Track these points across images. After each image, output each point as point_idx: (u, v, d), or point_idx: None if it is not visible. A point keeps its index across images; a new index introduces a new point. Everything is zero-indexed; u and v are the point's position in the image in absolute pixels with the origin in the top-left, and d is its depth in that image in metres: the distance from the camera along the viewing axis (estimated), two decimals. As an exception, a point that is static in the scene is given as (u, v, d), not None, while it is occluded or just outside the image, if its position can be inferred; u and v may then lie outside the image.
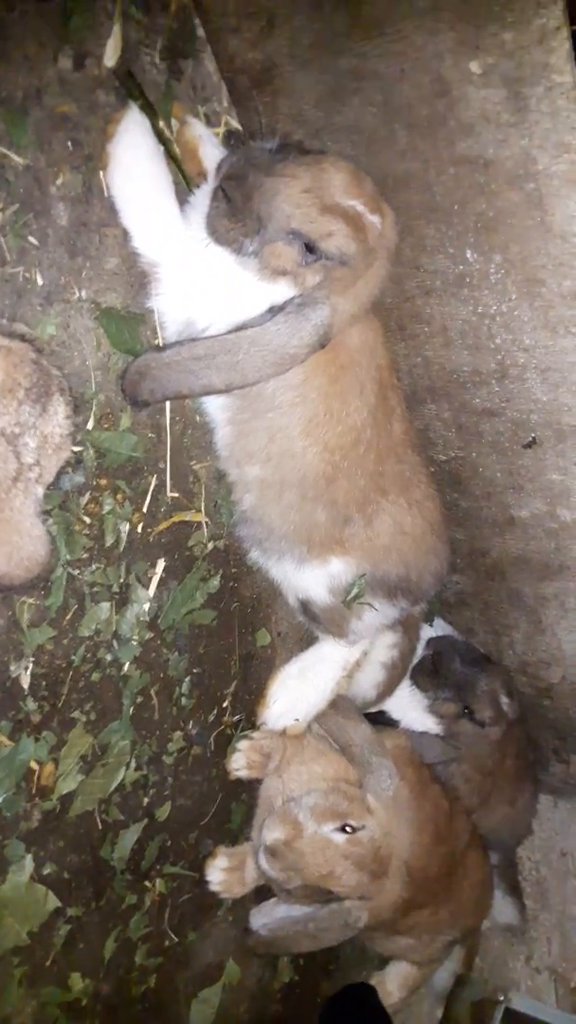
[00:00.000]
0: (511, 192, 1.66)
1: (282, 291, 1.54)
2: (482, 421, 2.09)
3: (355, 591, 2.01)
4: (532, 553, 2.30)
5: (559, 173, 1.61)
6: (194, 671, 1.95)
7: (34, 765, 1.56)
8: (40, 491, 1.17)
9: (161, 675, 1.85)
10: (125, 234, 1.49)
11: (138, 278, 1.54)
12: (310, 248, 1.48)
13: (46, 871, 1.62)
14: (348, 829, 2.02)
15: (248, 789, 2.20)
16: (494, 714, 2.45)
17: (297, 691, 2.18)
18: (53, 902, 1.63)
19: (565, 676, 2.64)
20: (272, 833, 2.00)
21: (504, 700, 2.47)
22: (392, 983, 2.83)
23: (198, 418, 1.81)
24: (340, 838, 2.01)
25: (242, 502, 1.90)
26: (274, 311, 1.53)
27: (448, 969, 2.94)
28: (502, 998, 2.67)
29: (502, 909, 3.10)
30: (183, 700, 1.92)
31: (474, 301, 1.86)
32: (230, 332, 1.53)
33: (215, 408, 1.76)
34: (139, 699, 1.80)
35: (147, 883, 1.90)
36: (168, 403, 1.73)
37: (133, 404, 1.60)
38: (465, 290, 1.85)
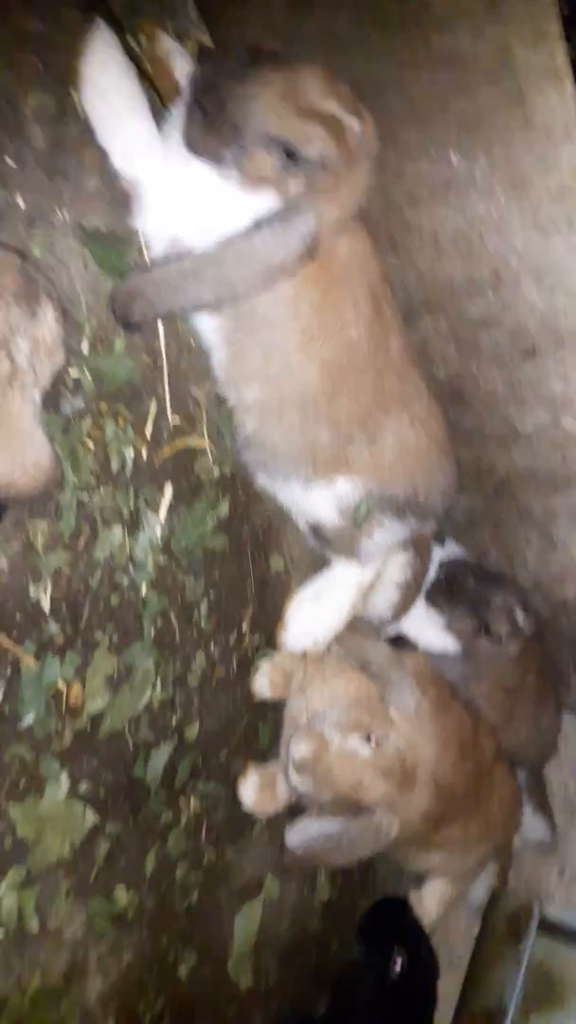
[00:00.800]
0: (490, 89, 1.66)
1: (266, 202, 1.55)
2: (480, 332, 2.10)
3: (363, 511, 2.03)
4: (539, 467, 2.32)
5: (537, 65, 1.60)
6: (210, 595, 1.99)
7: (61, 685, 1.61)
8: (37, 396, 1.21)
9: (179, 599, 1.90)
10: (104, 154, 1.51)
11: (120, 198, 1.56)
12: (290, 154, 1.49)
13: (82, 788, 1.68)
14: (372, 740, 2.07)
15: (273, 709, 2.25)
16: (511, 629, 2.48)
17: (313, 613, 2.22)
18: (92, 818, 1.69)
19: (581, 592, 2.67)
20: (299, 749, 2.05)
21: (520, 615, 2.49)
22: (429, 900, 2.90)
23: (193, 341, 1.83)
24: (365, 749, 2.06)
25: (244, 426, 1.93)
26: (259, 222, 1.55)
27: (483, 884, 3.01)
28: (537, 908, 2.73)
29: (532, 826, 3.16)
30: (202, 623, 1.97)
31: (462, 206, 1.87)
32: (217, 247, 1.55)
33: (209, 330, 1.78)
34: (159, 622, 1.84)
35: (182, 801, 1.96)
36: (162, 327, 1.75)
37: (126, 327, 1.63)
38: (452, 195, 1.85)
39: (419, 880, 2.99)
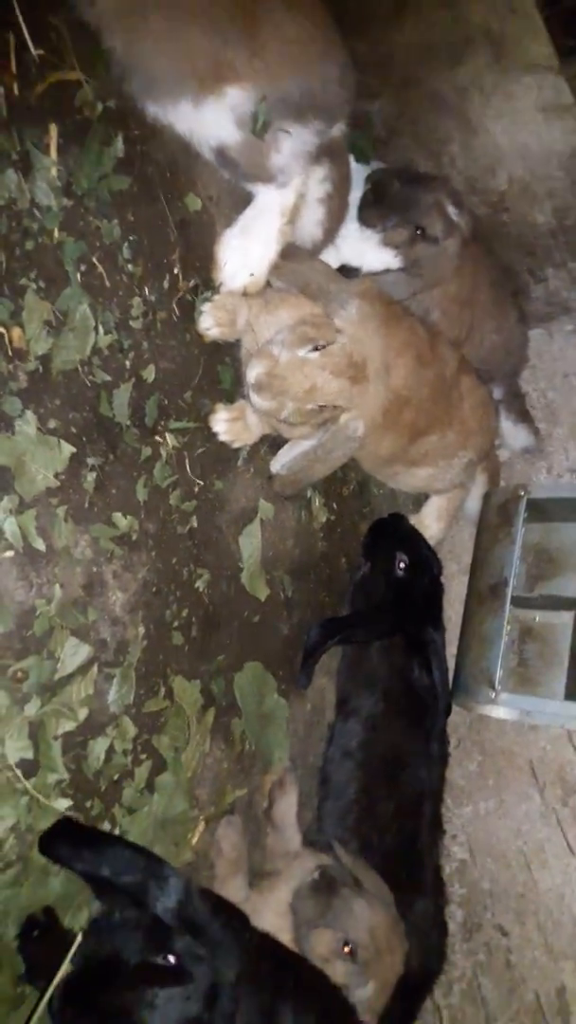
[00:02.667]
0: None
1: None
2: None
3: (262, 118, 1.99)
4: (434, 37, 2.22)
5: None
6: (130, 238, 2.01)
7: (1, 329, 1.70)
8: None
9: (97, 244, 1.93)
10: None
11: None
12: None
13: (51, 425, 1.81)
14: (319, 347, 2.18)
15: (230, 352, 2.35)
16: (445, 226, 2.48)
17: (244, 248, 2.24)
18: (68, 448, 1.83)
19: (511, 177, 2.64)
20: (254, 370, 2.17)
21: (452, 209, 2.48)
22: (429, 518, 3.16)
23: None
24: (313, 355, 2.17)
25: (115, 49, 1.86)
26: None
27: (475, 496, 3.25)
28: (523, 493, 2.95)
29: (516, 435, 3.35)
30: (129, 267, 2.01)
31: None
32: None
33: None
34: (83, 267, 1.89)
35: (157, 438, 2.11)
36: None
37: None
38: None
39: (417, 505, 3.24)
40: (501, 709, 2.78)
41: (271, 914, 2.19)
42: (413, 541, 2.86)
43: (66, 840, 1.59)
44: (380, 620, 2.74)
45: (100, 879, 1.54)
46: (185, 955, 1.44)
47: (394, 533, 2.86)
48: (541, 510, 3.03)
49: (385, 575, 2.80)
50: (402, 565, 2.79)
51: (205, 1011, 1.43)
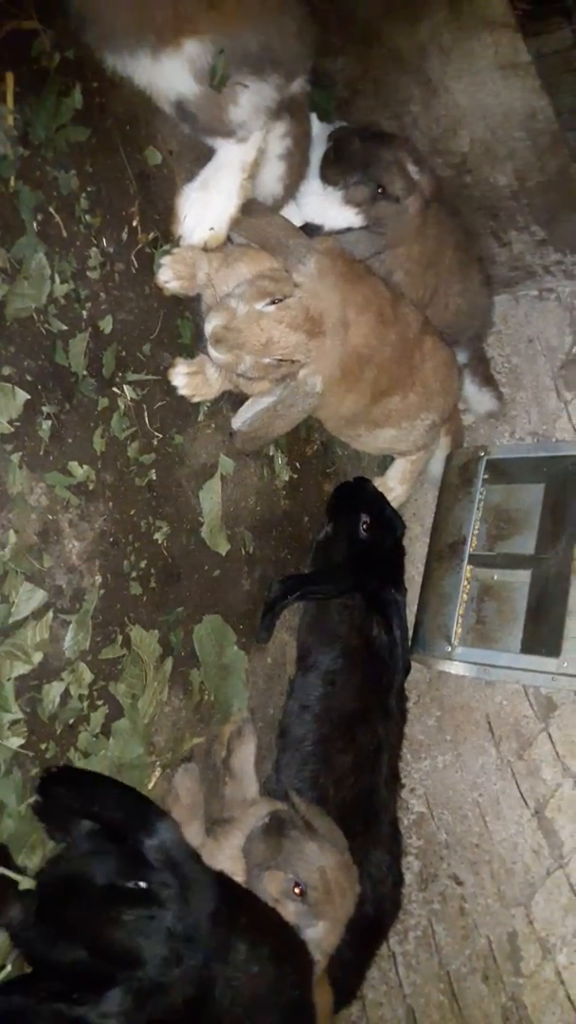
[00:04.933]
0: None
1: None
2: None
3: (220, 70, 2.00)
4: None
5: None
6: (89, 189, 2.02)
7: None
8: None
9: (55, 194, 1.94)
10: None
11: None
12: None
13: (5, 372, 1.83)
14: (276, 301, 2.20)
15: (191, 306, 2.37)
16: (405, 184, 2.49)
17: (204, 202, 2.25)
18: (22, 395, 1.85)
19: (472, 138, 2.65)
20: (211, 323, 2.20)
21: (412, 168, 2.50)
22: (393, 480, 3.20)
23: None
24: (270, 308, 2.20)
25: (72, -2, 1.86)
26: None
27: (439, 458, 3.30)
28: (483, 454, 3.00)
29: (480, 400, 3.39)
30: (87, 218, 2.03)
31: None
32: None
33: None
34: (39, 216, 1.90)
35: (115, 389, 2.13)
36: None
37: None
38: None
39: (382, 468, 3.29)
40: (457, 664, 2.85)
41: (225, 859, 2.25)
42: (376, 503, 2.90)
43: (63, 782, 1.65)
44: (341, 579, 2.78)
45: (92, 815, 1.60)
46: (156, 884, 1.49)
47: (358, 495, 2.90)
48: (501, 471, 3.08)
49: (348, 535, 2.84)
50: (365, 526, 2.83)
51: (174, 935, 1.48)
